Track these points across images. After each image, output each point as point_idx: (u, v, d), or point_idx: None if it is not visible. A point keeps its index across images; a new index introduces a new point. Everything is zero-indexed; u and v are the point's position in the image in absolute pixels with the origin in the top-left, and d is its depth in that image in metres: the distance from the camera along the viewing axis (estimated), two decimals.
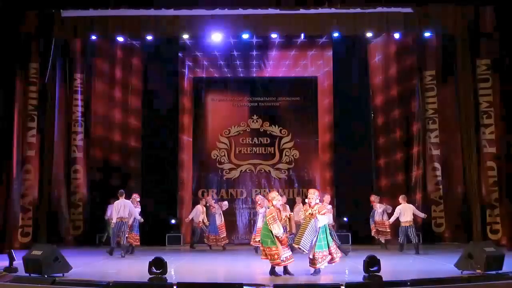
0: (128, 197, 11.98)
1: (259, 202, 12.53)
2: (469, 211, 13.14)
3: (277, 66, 15.43)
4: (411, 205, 12.15)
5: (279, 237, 8.32)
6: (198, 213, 13.51)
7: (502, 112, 12.47)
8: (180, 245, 14.13)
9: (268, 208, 8.70)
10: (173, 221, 14.45)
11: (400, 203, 12.05)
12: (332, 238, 9.11)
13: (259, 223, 11.64)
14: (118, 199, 11.74)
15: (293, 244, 8.57)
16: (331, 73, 15.22)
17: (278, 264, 8.34)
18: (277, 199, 8.55)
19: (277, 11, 12.54)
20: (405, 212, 11.89)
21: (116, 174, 14.87)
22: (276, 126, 15.40)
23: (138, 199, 12.31)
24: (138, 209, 12.15)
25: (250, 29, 13.35)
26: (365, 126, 15.16)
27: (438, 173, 14.21)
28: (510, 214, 12.12)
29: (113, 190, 14.70)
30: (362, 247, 12.48)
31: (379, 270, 7.72)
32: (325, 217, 8.53)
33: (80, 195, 14.39)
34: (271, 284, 7.49)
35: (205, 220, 13.39)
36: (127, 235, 11.71)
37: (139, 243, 12.30)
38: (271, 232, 8.31)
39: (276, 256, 8.27)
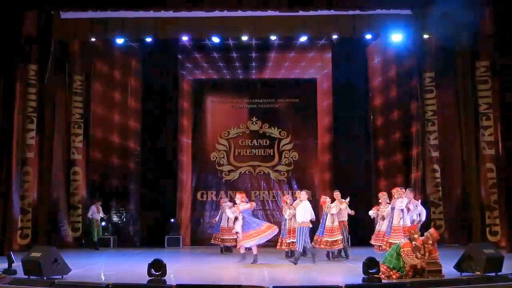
0: None
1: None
2: (469, 213, 13.15)
3: (277, 67, 15.42)
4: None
5: None
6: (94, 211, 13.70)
7: (502, 114, 12.45)
8: (179, 247, 14.09)
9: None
10: (172, 220, 14.39)
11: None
12: None
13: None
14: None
15: None
16: (331, 74, 15.23)
17: None
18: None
19: (276, 13, 12.52)
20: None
21: (115, 176, 14.89)
22: (276, 128, 15.39)
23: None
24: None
25: (249, 30, 13.36)
26: (364, 128, 15.16)
27: (438, 174, 14.21)
28: (509, 215, 12.11)
29: (112, 192, 14.80)
30: (361, 249, 12.45)
31: (378, 272, 7.72)
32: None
33: (79, 197, 14.37)
34: (271, 286, 7.48)
35: None
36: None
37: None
38: None
39: None
